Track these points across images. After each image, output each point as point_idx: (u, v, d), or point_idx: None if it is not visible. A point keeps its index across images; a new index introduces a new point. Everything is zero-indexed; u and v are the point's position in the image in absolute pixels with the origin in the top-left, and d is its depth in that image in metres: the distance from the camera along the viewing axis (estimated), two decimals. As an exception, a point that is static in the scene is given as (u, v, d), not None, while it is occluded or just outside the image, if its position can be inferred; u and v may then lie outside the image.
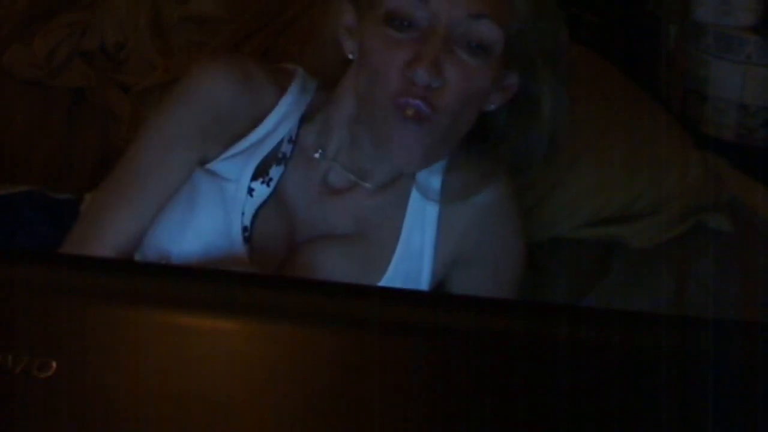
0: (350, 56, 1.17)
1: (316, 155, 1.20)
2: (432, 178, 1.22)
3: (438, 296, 1.11)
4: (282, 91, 1.22)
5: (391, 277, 1.19)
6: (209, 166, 1.18)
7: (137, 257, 1.20)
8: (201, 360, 0.74)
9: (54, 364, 0.72)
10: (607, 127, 1.55)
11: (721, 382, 0.72)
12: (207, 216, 1.16)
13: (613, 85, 1.61)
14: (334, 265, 1.19)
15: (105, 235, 1.18)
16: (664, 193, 1.54)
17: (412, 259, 1.21)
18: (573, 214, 1.53)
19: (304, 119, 1.22)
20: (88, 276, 0.81)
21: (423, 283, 1.21)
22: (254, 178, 1.18)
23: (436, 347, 0.75)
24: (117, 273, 0.83)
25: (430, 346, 0.75)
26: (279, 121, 1.21)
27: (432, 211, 1.21)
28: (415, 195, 1.22)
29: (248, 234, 1.17)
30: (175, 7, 1.74)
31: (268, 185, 1.18)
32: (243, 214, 1.17)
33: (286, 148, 1.20)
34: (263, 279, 1.01)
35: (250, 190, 1.17)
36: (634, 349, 0.75)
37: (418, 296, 1.00)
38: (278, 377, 0.74)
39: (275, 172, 1.19)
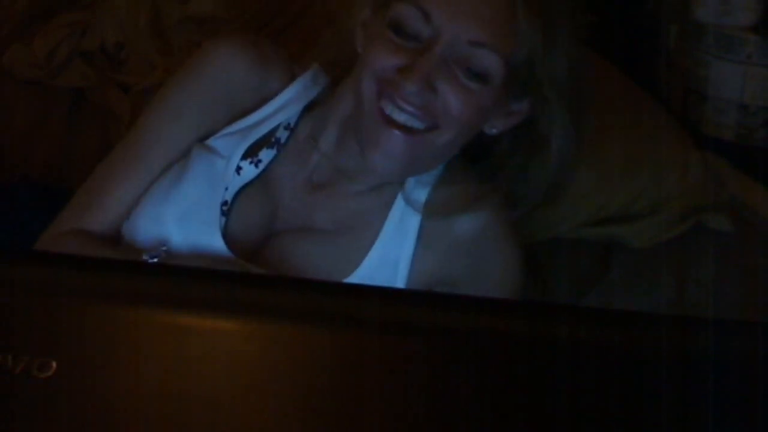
0: (359, 50, 1.17)
1: (308, 147, 1.21)
2: (419, 190, 1.21)
3: (438, 296, 1.11)
4: (292, 78, 1.23)
5: (358, 280, 1.18)
6: (206, 141, 1.20)
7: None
8: (201, 360, 0.74)
9: (54, 364, 0.72)
10: (607, 127, 1.54)
11: (721, 382, 0.72)
12: (192, 184, 1.18)
13: (613, 85, 1.61)
14: (306, 257, 1.19)
15: (105, 204, 1.20)
16: (664, 193, 1.54)
17: (385, 267, 1.20)
18: (573, 214, 1.53)
19: (307, 110, 1.23)
20: (88, 276, 0.81)
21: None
22: (244, 157, 1.19)
23: (436, 347, 0.75)
24: (117, 273, 0.83)
25: (430, 346, 0.75)
26: (281, 106, 1.22)
27: (414, 222, 1.20)
28: (399, 203, 1.21)
29: (227, 208, 1.18)
30: (175, 7, 1.74)
31: (256, 166, 1.20)
32: (227, 189, 1.18)
33: (282, 134, 1.22)
34: (263, 279, 1.01)
35: (238, 169, 1.19)
36: (634, 349, 0.75)
37: (418, 296, 1.00)
38: (278, 377, 0.74)
39: (265, 154, 1.20)
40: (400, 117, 1.10)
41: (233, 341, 0.76)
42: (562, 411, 0.72)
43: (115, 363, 0.74)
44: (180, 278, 0.83)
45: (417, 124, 1.10)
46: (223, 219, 1.17)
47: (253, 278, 0.98)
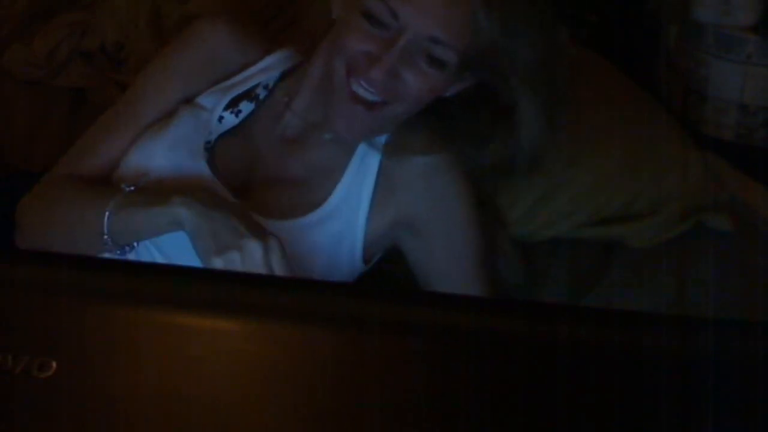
0: (333, 16, 1.27)
1: (282, 106, 1.33)
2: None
3: (438, 296, 1.11)
4: (271, 51, 1.37)
5: (326, 214, 1.31)
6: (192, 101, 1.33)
7: None
8: (201, 360, 0.74)
9: (54, 364, 0.72)
10: (607, 127, 1.54)
11: (721, 382, 0.72)
12: (179, 125, 1.31)
13: (613, 85, 1.61)
14: (279, 200, 1.30)
15: (97, 151, 1.33)
16: (664, 193, 1.54)
17: (349, 202, 1.32)
18: (573, 214, 1.53)
19: (285, 75, 1.36)
20: (88, 276, 0.81)
21: (359, 227, 1.32)
22: (225, 108, 1.33)
23: (436, 347, 0.75)
24: (117, 273, 0.83)
25: (430, 346, 0.75)
26: (261, 70, 1.36)
27: (374, 162, 1.33)
28: (362, 145, 1.33)
29: (210, 147, 1.31)
30: (175, 7, 1.74)
31: (236, 116, 1.33)
32: (210, 133, 1.31)
33: (261, 91, 1.35)
34: (263, 279, 1.01)
35: (220, 118, 1.33)
36: (634, 349, 0.75)
37: (418, 296, 1.00)
38: (278, 377, 0.74)
39: (245, 106, 1.34)
40: (365, 95, 1.22)
41: (233, 341, 0.76)
42: (562, 411, 0.72)
43: (115, 363, 0.74)
44: (180, 278, 0.83)
45: (378, 98, 1.23)
46: (206, 154, 1.29)
47: (253, 278, 0.98)
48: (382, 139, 1.33)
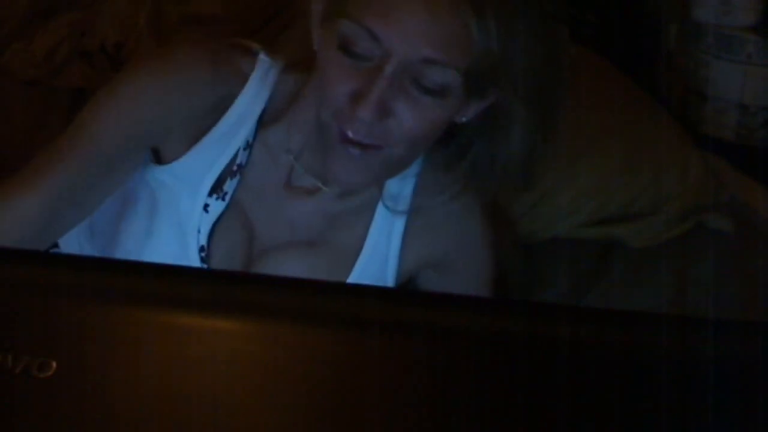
0: (315, 47, 1.08)
1: (284, 157, 1.16)
2: (402, 189, 1.20)
3: (438, 296, 1.11)
4: (244, 78, 1.15)
5: (354, 281, 1.17)
6: (173, 165, 1.15)
7: None
8: (201, 360, 0.74)
9: (54, 364, 0.72)
10: (607, 127, 1.55)
11: (721, 382, 0.72)
12: (165, 238, 1.15)
13: (613, 85, 1.61)
14: (295, 272, 1.16)
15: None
16: (664, 193, 1.54)
17: (376, 264, 1.19)
18: (573, 214, 1.53)
19: (267, 117, 1.17)
20: (88, 276, 0.81)
21: (388, 284, 1.20)
22: (209, 194, 1.15)
23: (436, 347, 0.75)
24: (117, 273, 0.83)
25: (430, 346, 0.75)
26: (237, 121, 1.15)
27: (399, 221, 1.19)
28: (381, 206, 1.19)
29: (205, 254, 1.15)
30: (175, 7, 1.74)
31: (223, 200, 1.15)
32: (199, 232, 1.14)
33: (242, 156, 1.15)
34: (263, 279, 1.01)
35: (206, 206, 1.14)
36: (634, 349, 0.75)
37: (418, 296, 1.00)
38: (278, 377, 0.74)
39: (230, 185, 1.15)
40: (358, 138, 1.05)
41: (233, 341, 0.76)
42: (562, 411, 0.72)
43: (115, 363, 0.74)
44: (180, 278, 0.83)
45: (373, 142, 1.05)
46: (205, 266, 1.15)
47: (253, 278, 0.98)
48: (408, 194, 1.19)
